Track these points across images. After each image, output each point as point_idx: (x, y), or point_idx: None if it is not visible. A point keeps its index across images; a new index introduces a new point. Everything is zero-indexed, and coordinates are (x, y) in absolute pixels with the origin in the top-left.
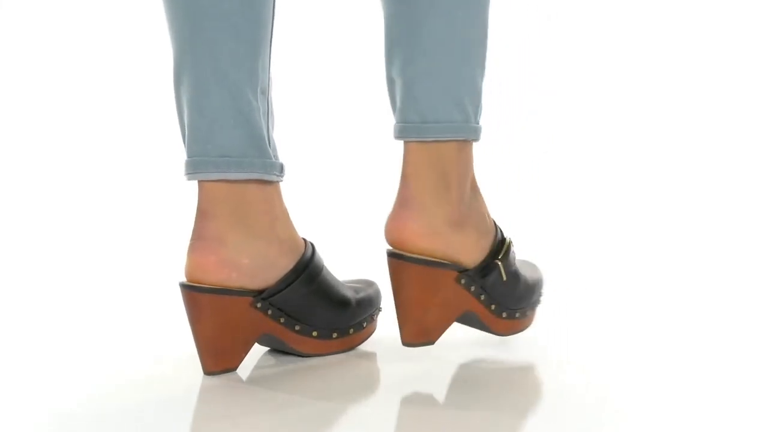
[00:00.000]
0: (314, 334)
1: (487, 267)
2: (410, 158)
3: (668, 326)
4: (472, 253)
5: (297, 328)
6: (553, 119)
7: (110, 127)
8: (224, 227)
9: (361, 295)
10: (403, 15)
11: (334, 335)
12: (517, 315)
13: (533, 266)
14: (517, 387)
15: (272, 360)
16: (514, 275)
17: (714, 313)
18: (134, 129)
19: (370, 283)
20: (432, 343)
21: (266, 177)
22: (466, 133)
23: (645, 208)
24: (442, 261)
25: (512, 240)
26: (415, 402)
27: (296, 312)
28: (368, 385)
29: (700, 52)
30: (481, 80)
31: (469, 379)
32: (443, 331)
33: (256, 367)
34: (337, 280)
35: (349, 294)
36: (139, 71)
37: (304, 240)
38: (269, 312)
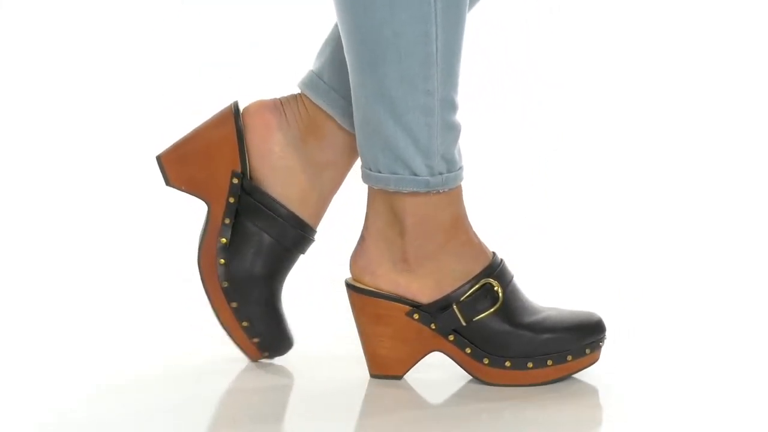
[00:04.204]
0: None
1: (442, 307)
2: (368, 199)
3: (677, 330)
4: (426, 293)
5: None
6: (561, 115)
7: (110, 127)
8: None
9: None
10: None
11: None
12: (507, 364)
13: (579, 314)
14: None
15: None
16: (498, 320)
17: (727, 319)
18: (135, 129)
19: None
20: (398, 377)
21: None
22: (415, 187)
23: (661, 211)
24: (386, 293)
25: (496, 289)
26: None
27: None
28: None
29: (712, 38)
30: (438, 129)
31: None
32: (407, 366)
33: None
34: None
35: None
36: (140, 72)
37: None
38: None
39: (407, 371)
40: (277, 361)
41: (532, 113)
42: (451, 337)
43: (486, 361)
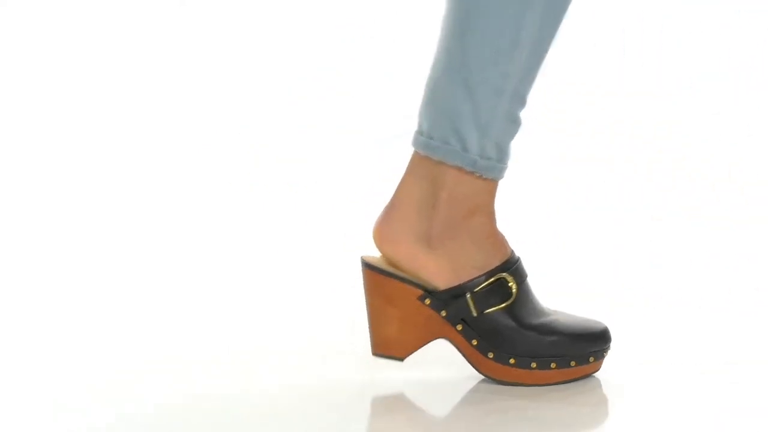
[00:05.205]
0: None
1: (456, 295)
2: (408, 165)
3: (680, 331)
4: (441, 277)
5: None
6: (565, 117)
7: (109, 127)
8: None
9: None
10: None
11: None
12: (512, 362)
13: (587, 321)
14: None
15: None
16: (506, 316)
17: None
18: (135, 130)
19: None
20: (400, 359)
21: None
22: (462, 162)
23: (663, 212)
24: (400, 274)
25: (511, 285)
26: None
27: None
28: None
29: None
30: (501, 114)
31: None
32: (411, 349)
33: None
34: None
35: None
36: (139, 72)
37: None
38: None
39: (409, 354)
40: (280, 361)
41: (536, 115)
42: (459, 327)
43: (491, 355)
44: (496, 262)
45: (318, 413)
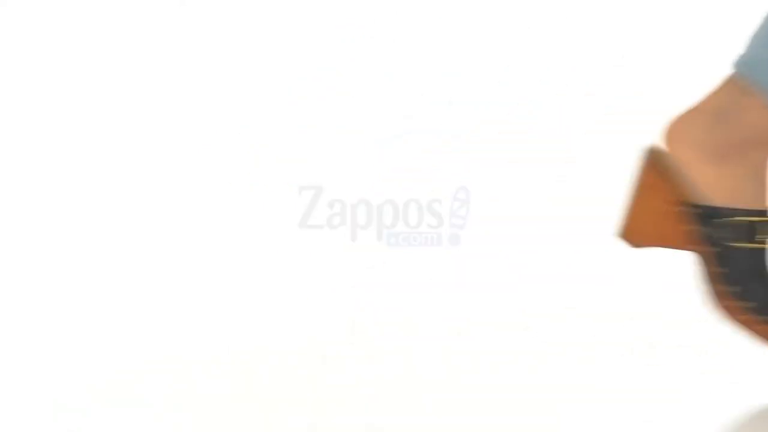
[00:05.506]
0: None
1: (717, 213)
2: (726, 78)
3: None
4: (719, 192)
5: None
6: (560, 119)
7: (110, 127)
8: None
9: None
10: None
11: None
12: (750, 305)
13: None
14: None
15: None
16: (755, 259)
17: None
18: (135, 130)
19: None
20: (635, 246)
21: None
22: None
23: None
24: (677, 177)
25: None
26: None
27: None
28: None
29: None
30: None
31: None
32: (648, 244)
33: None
34: None
35: None
36: (140, 72)
37: None
38: None
39: (644, 246)
40: (280, 361)
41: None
42: (709, 248)
43: (735, 288)
44: (758, 205)
45: (318, 413)
